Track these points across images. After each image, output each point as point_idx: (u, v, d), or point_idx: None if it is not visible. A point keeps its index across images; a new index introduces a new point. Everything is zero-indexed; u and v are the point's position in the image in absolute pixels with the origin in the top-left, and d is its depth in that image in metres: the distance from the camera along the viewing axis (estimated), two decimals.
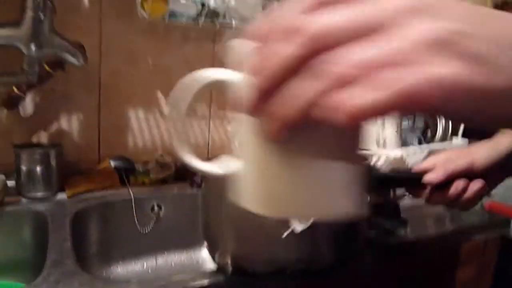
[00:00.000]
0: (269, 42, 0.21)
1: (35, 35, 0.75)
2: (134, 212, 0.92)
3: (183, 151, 0.30)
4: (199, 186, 0.97)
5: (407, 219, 0.79)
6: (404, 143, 1.07)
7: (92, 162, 0.99)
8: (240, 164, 0.27)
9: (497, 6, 1.33)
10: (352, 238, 0.59)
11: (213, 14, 0.94)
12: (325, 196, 0.25)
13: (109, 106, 1.00)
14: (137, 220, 0.93)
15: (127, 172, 0.98)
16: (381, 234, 0.77)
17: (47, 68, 0.86)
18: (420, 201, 0.60)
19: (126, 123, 1.02)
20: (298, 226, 0.53)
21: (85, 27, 0.94)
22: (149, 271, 0.94)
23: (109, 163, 0.98)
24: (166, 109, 1.06)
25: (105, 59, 0.97)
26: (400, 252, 0.76)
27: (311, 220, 0.53)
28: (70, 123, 0.97)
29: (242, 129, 0.27)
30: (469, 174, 0.56)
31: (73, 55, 0.82)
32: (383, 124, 0.92)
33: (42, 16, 0.73)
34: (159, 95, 1.05)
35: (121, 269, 0.91)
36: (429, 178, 0.57)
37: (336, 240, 0.57)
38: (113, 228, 0.90)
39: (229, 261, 0.57)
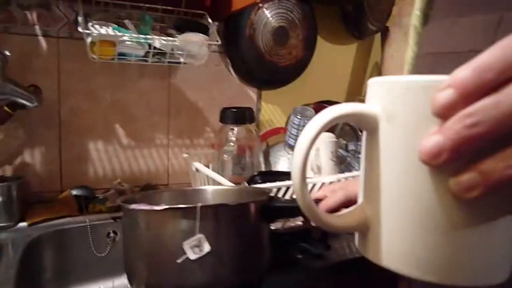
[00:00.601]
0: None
1: None
2: (90, 238, 1.00)
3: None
4: None
5: (330, 245, 0.86)
6: (347, 168, 1.13)
7: (55, 192, 1.07)
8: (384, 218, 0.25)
9: None
10: (256, 260, 0.65)
11: (160, 53, 1.02)
12: (497, 260, 0.23)
13: (69, 140, 1.08)
14: (94, 245, 1.00)
15: (86, 200, 1.06)
16: (307, 257, 0.83)
17: (7, 109, 0.95)
18: None
19: (86, 155, 1.11)
20: (191, 255, 0.59)
21: (43, 69, 1.03)
22: None
23: (70, 192, 1.06)
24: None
25: (64, 97, 1.06)
26: (322, 274, 0.82)
27: (206, 249, 0.60)
28: (33, 157, 1.05)
29: (404, 181, 0.24)
30: (349, 204, 0.62)
31: (26, 99, 0.91)
32: (318, 151, 0.98)
33: None
34: (118, 127, 1.13)
35: None
36: (320, 207, 0.63)
37: (240, 263, 0.63)
38: (70, 253, 0.98)
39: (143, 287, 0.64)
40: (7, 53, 1.00)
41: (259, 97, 1.33)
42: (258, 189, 0.79)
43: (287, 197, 0.90)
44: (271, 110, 1.35)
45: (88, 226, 0.99)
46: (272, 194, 0.87)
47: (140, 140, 1.16)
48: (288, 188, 0.90)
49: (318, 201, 0.65)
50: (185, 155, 1.15)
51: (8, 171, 1.04)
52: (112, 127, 1.13)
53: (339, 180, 0.89)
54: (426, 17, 0.53)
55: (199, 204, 0.59)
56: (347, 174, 0.94)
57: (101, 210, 1.06)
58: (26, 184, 1.02)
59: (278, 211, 0.67)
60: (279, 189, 0.90)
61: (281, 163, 1.10)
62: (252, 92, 1.31)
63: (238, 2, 1.08)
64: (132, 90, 1.13)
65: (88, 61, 1.03)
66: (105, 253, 1.01)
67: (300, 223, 0.89)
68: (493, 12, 0.37)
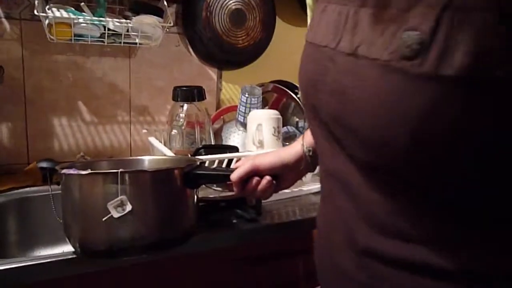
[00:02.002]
0: None
1: None
2: (53, 206, 1.09)
3: None
4: None
5: (262, 211, 0.94)
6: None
7: (22, 165, 1.16)
8: None
9: None
10: (176, 219, 0.74)
11: (115, 34, 1.09)
12: None
13: (35, 116, 1.16)
14: (56, 213, 1.09)
15: (51, 172, 1.15)
16: (241, 222, 0.92)
17: None
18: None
19: (51, 130, 1.19)
20: (115, 214, 0.68)
21: (7, 49, 1.10)
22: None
23: (35, 164, 1.15)
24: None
25: (28, 76, 1.14)
26: (252, 236, 0.91)
27: (128, 209, 0.68)
28: (1, 132, 1.14)
29: None
30: (255, 174, 0.71)
31: None
32: (260, 126, 1.05)
33: None
34: (80, 104, 1.21)
35: (41, 253, 1.08)
36: (231, 176, 0.72)
37: (160, 221, 0.72)
38: (35, 219, 1.07)
39: (77, 244, 0.73)
40: None
41: (220, 76, 1.40)
42: (190, 159, 0.87)
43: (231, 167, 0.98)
44: (231, 89, 1.42)
45: (51, 195, 1.08)
46: (212, 165, 0.95)
47: (102, 117, 1.24)
48: (230, 161, 0.98)
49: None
50: (144, 131, 1.23)
51: None
52: (75, 104, 1.21)
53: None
54: None
55: (120, 170, 0.67)
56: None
57: None
58: None
59: (200, 177, 0.76)
60: (221, 161, 0.98)
61: (231, 139, 1.18)
62: (212, 72, 1.38)
63: None
64: (94, 69, 1.21)
65: (50, 42, 1.10)
66: None
67: None
68: (347, 4, 0.39)
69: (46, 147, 1.19)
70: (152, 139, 1.11)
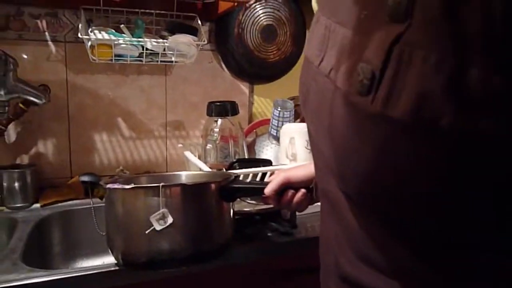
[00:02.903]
0: None
1: (2, 85, 0.99)
2: (94, 218, 1.13)
3: None
4: None
5: (297, 224, 0.95)
6: None
7: (65, 178, 1.22)
8: None
9: None
10: (213, 232, 0.76)
11: (152, 53, 1.14)
12: None
13: (77, 132, 1.23)
14: (97, 225, 1.14)
15: (92, 186, 1.20)
16: (275, 235, 0.93)
17: (22, 106, 1.10)
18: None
19: (92, 145, 1.25)
20: (157, 226, 0.71)
21: (53, 70, 1.17)
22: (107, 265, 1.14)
23: (78, 178, 1.20)
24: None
25: (71, 95, 1.20)
26: (287, 249, 0.92)
27: (169, 221, 0.71)
28: (46, 147, 1.20)
29: None
30: (289, 187, 0.72)
31: (35, 96, 1.05)
32: (293, 139, 1.07)
33: (4, 71, 0.96)
34: (119, 120, 1.26)
35: (83, 264, 1.13)
36: (265, 190, 0.73)
37: (198, 234, 0.74)
38: (77, 231, 1.12)
39: (120, 256, 0.76)
40: (24, 56, 1.15)
41: (252, 91, 1.43)
42: (225, 173, 0.89)
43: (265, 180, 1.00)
44: (263, 102, 1.45)
45: (93, 208, 1.13)
46: (246, 179, 0.97)
47: (140, 132, 1.29)
48: (264, 174, 1.00)
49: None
50: (179, 145, 1.27)
51: (24, 159, 1.19)
52: (114, 120, 1.26)
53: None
54: None
55: (162, 184, 0.70)
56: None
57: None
58: (40, 171, 1.17)
59: (236, 190, 0.78)
60: (256, 175, 1.00)
61: (264, 152, 1.20)
62: (244, 87, 1.41)
63: (223, 5, 1.18)
64: (132, 87, 1.26)
65: (92, 62, 1.16)
66: None
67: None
68: (330, 18, 0.37)
69: (88, 162, 1.25)
70: (187, 153, 1.14)
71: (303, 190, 0.73)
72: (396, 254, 0.35)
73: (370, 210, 0.36)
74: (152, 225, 0.71)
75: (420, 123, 0.27)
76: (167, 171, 1.34)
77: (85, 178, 1.22)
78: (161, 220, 0.72)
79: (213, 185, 0.75)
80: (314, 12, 0.46)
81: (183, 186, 0.73)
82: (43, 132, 1.19)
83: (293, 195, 0.73)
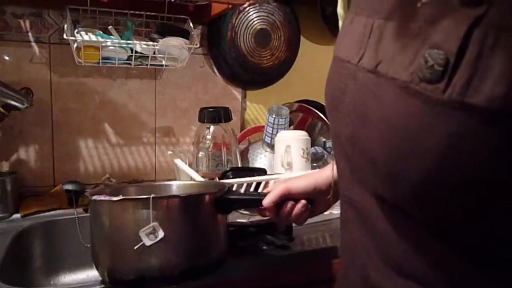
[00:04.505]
0: None
1: None
2: (79, 229, 1.07)
3: None
4: None
5: (294, 237, 0.91)
6: (324, 165, 1.18)
7: (48, 187, 1.16)
8: None
9: None
10: (207, 247, 0.71)
11: (142, 56, 1.09)
12: None
13: (61, 138, 1.17)
14: (82, 236, 1.08)
15: (77, 195, 1.14)
16: (271, 248, 0.89)
17: (2, 110, 1.04)
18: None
19: (77, 152, 1.19)
20: (147, 241, 0.66)
21: (36, 72, 1.11)
22: (92, 279, 1.08)
23: (61, 187, 1.14)
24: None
25: (56, 99, 1.14)
26: (284, 263, 0.87)
27: (160, 236, 0.66)
28: (27, 154, 1.14)
29: None
30: (289, 198, 0.68)
31: (17, 100, 0.99)
32: (288, 148, 1.03)
33: None
34: (106, 126, 1.21)
35: (66, 279, 1.06)
36: (264, 201, 0.69)
37: (192, 248, 0.69)
38: (59, 243, 1.06)
39: (106, 273, 0.71)
40: (6, 57, 1.09)
41: (244, 96, 1.39)
42: (219, 183, 0.85)
43: (259, 190, 0.95)
44: (256, 109, 1.41)
45: (77, 218, 1.07)
46: (240, 188, 0.93)
47: (128, 138, 1.24)
48: (258, 184, 0.96)
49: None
50: (169, 153, 1.22)
51: (5, 167, 1.12)
52: (101, 126, 1.20)
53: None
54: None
55: (152, 195, 0.66)
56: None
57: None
58: (21, 179, 1.11)
59: (232, 202, 0.73)
60: (249, 184, 0.95)
61: (258, 160, 1.16)
62: (236, 92, 1.37)
63: (216, 7, 1.14)
64: (119, 91, 1.21)
65: (78, 65, 1.11)
66: None
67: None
68: (372, 16, 0.36)
69: (72, 169, 1.19)
70: (178, 161, 1.09)
71: (303, 202, 0.68)
72: (442, 262, 0.33)
73: (414, 217, 0.33)
74: (142, 240, 0.66)
75: (509, 110, 0.25)
76: (155, 180, 1.29)
77: (69, 187, 1.16)
78: (151, 235, 0.67)
79: (207, 197, 0.70)
80: (340, 17, 0.47)
81: (175, 198, 0.68)
82: (25, 137, 1.13)
83: (293, 206, 0.69)
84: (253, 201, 0.73)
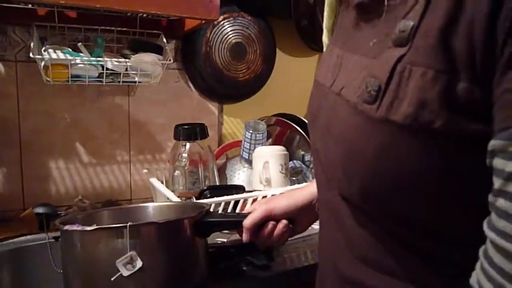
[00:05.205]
0: None
1: None
2: (51, 254, 1.02)
3: None
4: None
5: (274, 257, 0.89)
6: (303, 179, 1.17)
7: (18, 211, 1.10)
8: None
9: None
10: (189, 273, 0.69)
11: (114, 73, 1.06)
12: None
13: (31, 159, 1.11)
14: (54, 262, 1.03)
15: (48, 218, 1.09)
16: (252, 269, 0.87)
17: None
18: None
19: (48, 173, 1.14)
20: (124, 272, 0.63)
21: (2, 92, 1.06)
22: None
23: (32, 210, 1.09)
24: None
25: (23, 118, 1.10)
26: (265, 284, 0.85)
27: (138, 265, 0.63)
28: None
29: None
30: (270, 218, 0.66)
31: None
32: (267, 164, 1.02)
33: None
34: (78, 145, 1.17)
35: None
36: (245, 222, 0.67)
37: (172, 276, 0.67)
38: (29, 270, 1.01)
39: None
40: None
41: (221, 111, 1.37)
42: (197, 204, 0.82)
43: (237, 210, 0.93)
44: (233, 123, 1.39)
45: (48, 243, 1.02)
46: (218, 207, 0.91)
47: (101, 158, 1.20)
48: (237, 202, 0.94)
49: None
50: (145, 171, 1.18)
51: None
52: (72, 145, 1.16)
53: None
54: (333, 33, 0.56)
55: (129, 223, 0.63)
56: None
57: None
58: None
59: (212, 225, 0.71)
60: (228, 203, 0.93)
61: (236, 176, 1.14)
62: (213, 107, 1.35)
63: (189, 23, 1.12)
64: (91, 109, 1.17)
65: (46, 83, 1.07)
66: None
67: None
68: (343, 48, 0.46)
69: (43, 191, 1.14)
70: (153, 181, 1.06)
71: (285, 222, 0.67)
72: (395, 253, 0.40)
73: (369, 212, 0.41)
74: (119, 271, 0.63)
75: (417, 125, 0.34)
76: (131, 199, 1.25)
77: (40, 210, 1.10)
78: (128, 265, 0.64)
79: (186, 221, 0.68)
80: (325, 45, 0.56)
81: (153, 224, 0.65)
82: None
83: (274, 227, 0.67)
84: (233, 223, 0.71)
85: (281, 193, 0.73)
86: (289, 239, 0.94)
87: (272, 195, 0.91)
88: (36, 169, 1.13)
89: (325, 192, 0.49)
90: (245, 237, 0.68)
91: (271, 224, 0.67)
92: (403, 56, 0.34)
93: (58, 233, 1.04)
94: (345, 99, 0.40)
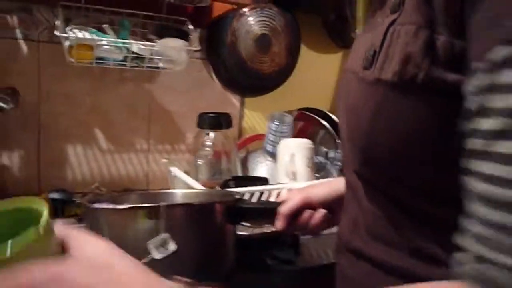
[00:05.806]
0: None
1: None
2: None
3: None
4: None
5: (300, 251, 0.86)
6: (326, 175, 1.14)
7: (33, 195, 1.07)
8: None
9: None
10: (219, 260, 0.65)
11: (138, 58, 1.03)
12: None
13: (48, 143, 1.08)
14: None
15: (63, 204, 1.06)
16: (276, 263, 0.83)
17: None
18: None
19: (65, 158, 1.11)
20: (156, 255, 0.59)
21: (23, 72, 1.04)
22: None
23: (46, 195, 1.05)
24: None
25: (43, 101, 1.07)
26: (289, 278, 0.82)
27: (171, 249, 0.60)
28: (11, 160, 1.05)
29: None
30: (307, 206, 0.63)
31: (1, 100, 0.91)
32: (293, 157, 0.98)
33: None
34: (97, 131, 1.13)
35: None
36: (281, 208, 0.64)
37: (203, 263, 0.63)
38: None
39: None
40: None
41: (242, 104, 1.34)
42: (226, 192, 0.79)
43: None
44: (254, 117, 1.36)
45: None
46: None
47: (119, 145, 1.17)
48: (261, 193, 0.90)
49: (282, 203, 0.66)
50: (164, 160, 1.15)
51: None
52: (91, 131, 1.13)
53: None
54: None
55: (163, 203, 0.59)
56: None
57: (76, 214, 1.05)
58: (2, 187, 1.02)
59: (244, 212, 0.68)
60: (252, 194, 0.90)
61: (259, 169, 1.11)
62: (234, 99, 1.32)
63: (218, 8, 1.09)
64: (112, 95, 1.14)
65: (68, 65, 1.04)
66: None
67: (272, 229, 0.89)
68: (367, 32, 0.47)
69: (59, 177, 1.11)
70: (175, 170, 1.03)
71: (322, 211, 0.64)
72: (398, 225, 0.41)
73: (374, 183, 0.43)
74: (150, 253, 0.60)
75: (403, 82, 0.36)
76: (148, 189, 1.21)
77: (55, 196, 1.07)
78: (161, 247, 0.60)
79: (220, 206, 0.64)
80: (358, 21, 0.56)
81: (189, 206, 0.62)
82: (9, 142, 1.05)
83: (311, 215, 0.64)
84: (267, 210, 0.67)
85: (317, 183, 0.69)
86: (324, 232, 0.91)
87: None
88: (54, 154, 1.10)
89: (347, 172, 0.51)
90: (280, 224, 0.64)
91: (308, 212, 0.64)
92: (395, 20, 0.38)
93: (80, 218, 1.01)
94: (353, 72, 0.44)
